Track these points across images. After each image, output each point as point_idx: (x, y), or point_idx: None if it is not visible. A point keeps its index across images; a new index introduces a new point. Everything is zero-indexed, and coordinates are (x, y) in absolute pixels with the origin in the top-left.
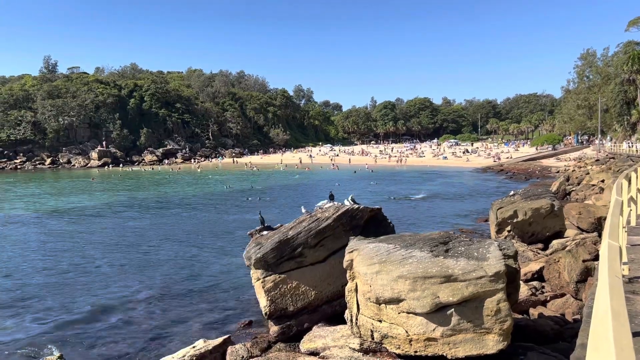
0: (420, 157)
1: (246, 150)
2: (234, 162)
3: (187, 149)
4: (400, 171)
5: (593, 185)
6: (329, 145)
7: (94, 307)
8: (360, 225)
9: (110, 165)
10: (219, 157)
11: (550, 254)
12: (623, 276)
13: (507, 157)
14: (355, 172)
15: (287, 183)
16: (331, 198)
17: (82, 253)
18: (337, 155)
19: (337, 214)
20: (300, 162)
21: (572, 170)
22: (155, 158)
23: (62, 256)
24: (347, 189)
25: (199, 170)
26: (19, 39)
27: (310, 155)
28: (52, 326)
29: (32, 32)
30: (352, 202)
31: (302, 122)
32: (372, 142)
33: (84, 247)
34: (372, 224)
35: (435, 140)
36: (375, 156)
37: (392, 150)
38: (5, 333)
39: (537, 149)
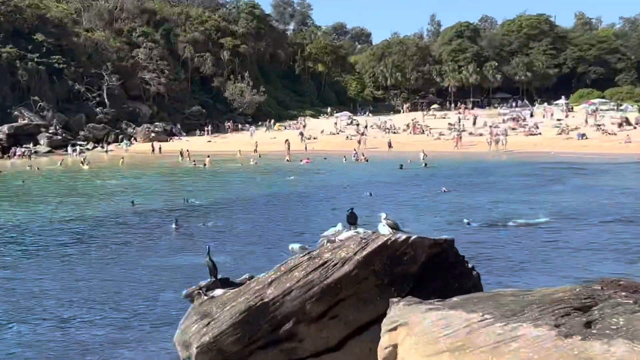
0: (533, 134)
1: (178, 126)
2: (154, 150)
3: (60, 126)
4: (494, 163)
5: None
6: (345, 113)
7: None
8: (412, 275)
9: None
10: (123, 140)
11: None
12: None
13: None
14: (401, 166)
15: (263, 192)
16: (351, 220)
17: None
18: (364, 134)
19: (365, 252)
20: (289, 147)
21: None
22: None
23: None
24: (385, 202)
25: (85, 167)
26: None
27: (301, 133)
28: None
29: None
30: (393, 229)
31: (292, 67)
32: (435, 105)
33: None
34: (434, 271)
35: (562, 101)
36: (441, 134)
37: (474, 123)
38: None
39: None
